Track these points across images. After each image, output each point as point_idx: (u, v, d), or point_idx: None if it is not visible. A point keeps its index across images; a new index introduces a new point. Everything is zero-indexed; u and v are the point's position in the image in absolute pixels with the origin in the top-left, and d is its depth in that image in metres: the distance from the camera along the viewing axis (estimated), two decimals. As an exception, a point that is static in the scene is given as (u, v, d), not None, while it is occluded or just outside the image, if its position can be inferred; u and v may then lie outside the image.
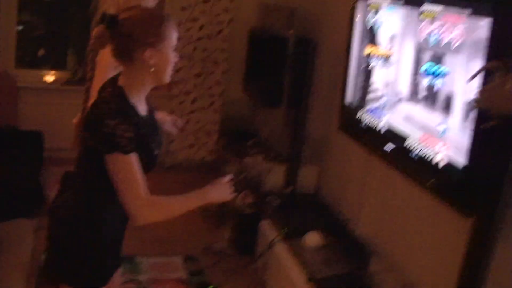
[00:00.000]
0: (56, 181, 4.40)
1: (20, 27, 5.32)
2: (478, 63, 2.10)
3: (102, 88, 1.91)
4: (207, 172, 5.25)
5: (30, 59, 5.70)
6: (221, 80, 5.29)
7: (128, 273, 3.43)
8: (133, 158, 1.77)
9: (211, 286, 3.47)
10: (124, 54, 1.83)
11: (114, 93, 1.83)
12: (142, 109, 1.91)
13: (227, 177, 2.04)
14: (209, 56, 5.20)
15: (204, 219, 4.36)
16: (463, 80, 2.22)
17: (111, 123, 1.73)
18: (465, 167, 2.26)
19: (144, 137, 1.86)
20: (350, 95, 3.28)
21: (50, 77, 5.27)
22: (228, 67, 5.26)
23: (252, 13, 5.03)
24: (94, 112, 1.82)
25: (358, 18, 3.16)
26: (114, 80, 1.90)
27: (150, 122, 1.98)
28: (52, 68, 5.47)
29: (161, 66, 1.85)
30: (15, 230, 3.71)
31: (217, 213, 4.35)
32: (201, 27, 5.11)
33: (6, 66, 4.98)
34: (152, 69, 1.83)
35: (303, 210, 3.71)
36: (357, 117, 3.19)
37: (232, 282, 3.55)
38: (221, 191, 2.00)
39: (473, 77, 2.03)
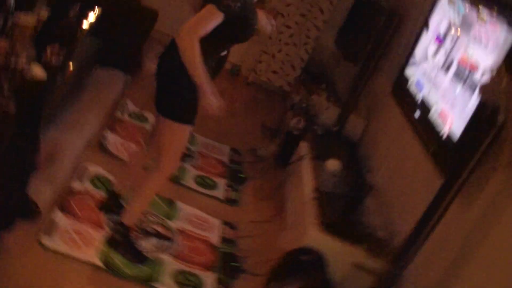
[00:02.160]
0: (153, 55, 5.29)
1: None
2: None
3: None
4: (278, 100, 5.99)
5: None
6: (320, 27, 5.91)
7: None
8: (219, 17, 2.44)
9: (241, 174, 4.25)
10: None
11: None
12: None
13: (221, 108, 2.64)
14: (318, 2, 5.82)
15: (262, 129, 5.12)
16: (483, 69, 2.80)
17: None
18: (456, 142, 2.87)
19: (249, 14, 2.58)
20: (410, 69, 3.87)
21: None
22: (329, 18, 5.87)
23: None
24: None
25: (437, 5, 3.69)
26: None
27: (254, 10, 2.68)
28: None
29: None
30: (110, 76, 4.51)
31: (273, 128, 5.10)
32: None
33: None
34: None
35: (338, 146, 4.37)
36: (407, 86, 3.79)
37: (259, 179, 4.31)
38: (214, 103, 2.60)
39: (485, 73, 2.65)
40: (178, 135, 2.79)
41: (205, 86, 2.56)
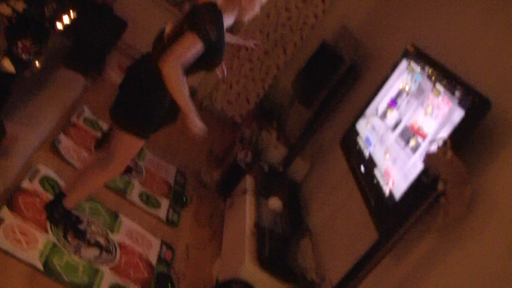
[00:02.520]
0: (116, 66, 5.34)
1: None
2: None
3: (205, 3, 2.70)
4: (228, 129, 6.12)
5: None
6: (281, 66, 6.11)
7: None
8: (199, 45, 2.56)
9: (184, 197, 4.33)
10: None
11: (215, 7, 2.67)
12: (224, 28, 2.75)
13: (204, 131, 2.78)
14: (283, 43, 6.03)
15: (208, 154, 5.22)
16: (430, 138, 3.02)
17: (206, 17, 2.58)
18: (396, 201, 3.07)
19: (220, 43, 2.70)
20: (362, 123, 4.07)
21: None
22: (291, 59, 6.08)
23: (331, 29, 5.81)
24: (199, 7, 2.64)
25: (397, 69, 3.94)
26: (213, 3, 2.71)
27: (224, 38, 2.80)
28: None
29: (246, 9, 2.74)
30: (71, 79, 4.51)
31: (219, 156, 5.21)
32: (289, 18, 5.93)
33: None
34: (240, 8, 2.71)
35: (281, 185, 4.51)
36: (356, 139, 3.99)
37: (200, 204, 4.40)
38: (198, 127, 2.73)
39: (432, 142, 2.86)
40: (130, 145, 2.90)
41: (190, 112, 2.67)
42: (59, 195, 3.13)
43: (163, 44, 2.74)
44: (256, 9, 2.77)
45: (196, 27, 2.57)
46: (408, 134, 3.31)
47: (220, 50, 2.77)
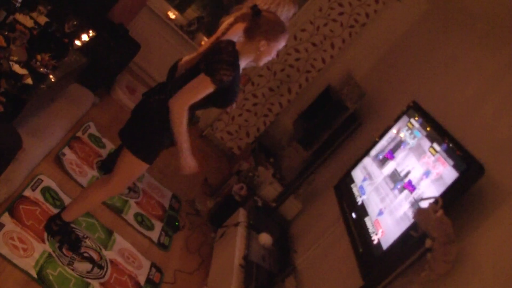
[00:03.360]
0: (125, 86, 5.45)
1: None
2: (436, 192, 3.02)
3: (225, 42, 2.82)
4: (225, 160, 6.23)
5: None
6: (284, 105, 6.26)
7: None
8: (211, 88, 2.69)
9: (177, 223, 4.41)
10: (251, 34, 2.81)
11: (234, 48, 2.79)
12: (240, 70, 2.87)
13: (194, 169, 2.92)
14: (288, 82, 6.19)
15: (204, 183, 5.32)
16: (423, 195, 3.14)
17: (224, 59, 2.70)
18: (384, 251, 3.17)
19: (235, 86, 2.83)
20: (359, 170, 4.19)
21: (172, 14, 6.26)
22: (294, 99, 6.23)
23: (337, 75, 5.98)
24: (219, 47, 2.77)
25: (397, 123, 4.07)
26: (233, 44, 2.84)
27: (239, 81, 2.93)
28: (176, 7, 6.34)
29: (263, 55, 2.85)
30: (81, 94, 4.63)
31: (214, 186, 5.30)
32: (297, 59, 6.11)
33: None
34: (258, 53, 2.82)
35: (272, 221, 4.62)
36: (351, 186, 4.10)
37: (192, 231, 4.48)
38: (191, 165, 2.89)
39: (425, 199, 2.98)
40: (134, 167, 3.01)
41: (185, 150, 2.83)
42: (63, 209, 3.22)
43: (178, 79, 2.88)
44: (273, 54, 2.89)
45: (212, 73, 2.69)
46: (403, 188, 3.42)
47: (234, 92, 2.88)
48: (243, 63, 2.87)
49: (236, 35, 3.02)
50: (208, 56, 2.77)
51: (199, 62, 2.81)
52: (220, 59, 2.71)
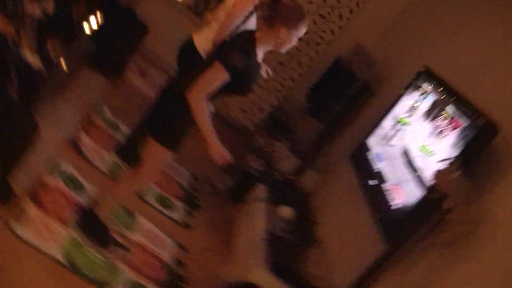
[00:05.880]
0: (136, 69, 5.46)
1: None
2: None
3: (244, 30, 2.86)
4: (240, 137, 6.24)
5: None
6: (295, 78, 6.24)
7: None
8: (225, 76, 2.67)
9: (197, 201, 4.44)
10: (271, 20, 2.79)
11: (251, 36, 2.79)
12: (259, 56, 2.86)
13: (230, 158, 2.93)
14: (298, 56, 6.16)
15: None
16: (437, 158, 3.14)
17: (239, 45, 2.71)
18: (405, 215, 3.18)
19: (250, 74, 2.80)
20: (374, 138, 4.18)
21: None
22: (306, 72, 6.21)
23: (347, 46, 5.91)
24: (238, 36, 2.80)
25: (409, 90, 4.05)
26: (251, 31, 2.85)
27: (258, 67, 2.92)
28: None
29: (284, 42, 2.82)
30: (92, 78, 4.64)
31: (234, 165, 5.31)
32: (306, 32, 6.04)
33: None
34: (279, 40, 2.80)
35: (292, 194, 4.63)
36: (367, 154, 4.10)
37: (213, 210, 4.52)
38: (222, 154, 2.88)
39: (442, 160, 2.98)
40: (162, 157, 3.03)
41: (211, 140, 2.81)
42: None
43: (195, 69, 2.85)
44: (294, 41, 2.87)
45: (225, 58, 2.68)
46: (419, 154, 3.42)
47: (250, 78, 2.85)
48: (262, 50, 2.86)
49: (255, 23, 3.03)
50: (224, 45, 2.79)
51: (215, 51, 2.83)
52: (235, 45, 2.72)
